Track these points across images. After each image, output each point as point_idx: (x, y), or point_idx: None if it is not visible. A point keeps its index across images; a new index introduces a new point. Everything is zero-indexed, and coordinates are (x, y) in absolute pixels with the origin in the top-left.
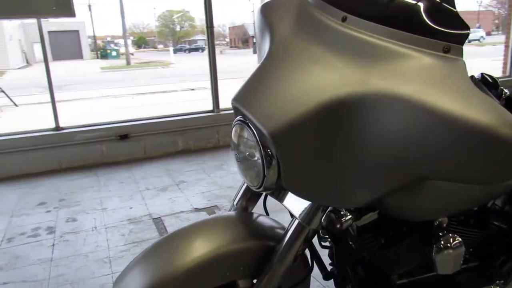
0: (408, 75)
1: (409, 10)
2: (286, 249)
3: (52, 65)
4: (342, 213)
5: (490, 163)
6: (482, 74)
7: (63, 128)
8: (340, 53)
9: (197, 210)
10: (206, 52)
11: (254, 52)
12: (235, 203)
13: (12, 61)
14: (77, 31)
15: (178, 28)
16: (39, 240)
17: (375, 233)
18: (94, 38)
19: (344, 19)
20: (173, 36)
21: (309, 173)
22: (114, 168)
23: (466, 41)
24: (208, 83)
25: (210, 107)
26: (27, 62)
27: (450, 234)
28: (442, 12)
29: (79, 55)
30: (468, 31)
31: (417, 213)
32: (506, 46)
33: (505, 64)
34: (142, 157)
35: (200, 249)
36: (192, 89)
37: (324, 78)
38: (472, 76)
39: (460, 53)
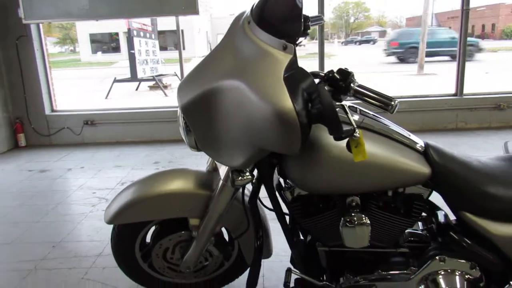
0: (257, 69)
1: (270, 16)
2: (215, 200)
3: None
4: (241, 173)
5: (283, 137)
6: (339, 68)
7: None
8: (239, 50)
9: None
10: (377, 44)
11: None
12: (207, 163)
13: (198, 50)
14: None
15: (352, 19)
16: None
17: (305, 203)
18: None
19: (248, 22)
20: (345, 27)
21: (210, 139)
22: None
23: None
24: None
25: None
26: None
27: (359, 213)
28: (287, 15)
29: None
30: (299, 35)
31: (314, 186)
32: None
33: None
34: None
35: (162, 186)
36: None
37: (218, 69)
38: (316, 72)
39: (291, 51)
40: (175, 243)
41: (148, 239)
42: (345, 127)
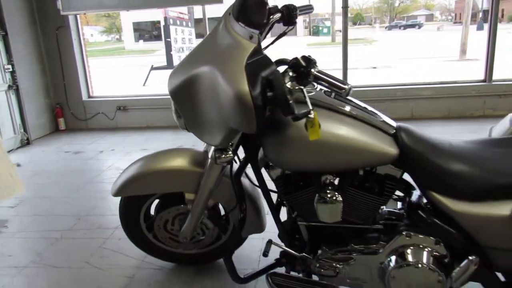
0: (226, 56)
1: (241, 6)
2: (206, 176)
3: (270, 40)
4: (224, 152)
5: (241, 117)
6: (302, 56)
7: None
8: (218, 40)
9: None
10: (423, 28)
11: (478, 28)
12: (204, 144)
13: None
14: None
15: (396, 3)
16: None
17: (287, 181)
18: (309, 15)
19: (229, 14)
20: (390, 11)
21: (195, 121)
22: None
23: None
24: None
25: None
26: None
27: (332, 191)
28: (251, 5)
29: (294, 32)
30: (261, 26)
31: (288, 164)
32: None
33: None
34: None
35: (162, 163)
36: (374, 67)
37: (201, 58)
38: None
39: (255, 41)
40: (174, 216)
41: (152, 212)
42: (305, 109)
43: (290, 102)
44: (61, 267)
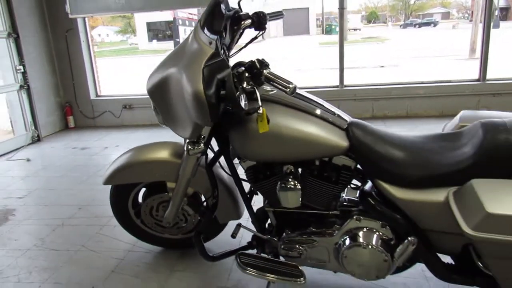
0: (189, 59)
1: (205, 15)
2: (183, 166)
3: (282, 39)
4: (196, 144)
5: (198, 112)
6: (257, 59)
7: None
8: (187, 46)
9: None
10: (438, 26)
11: (495, 26)
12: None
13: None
14: (307, 8)
15: (412, 1)
16: None
17: (255, 170)
18: (322, 14)
19: (199, 22)
20: (405, 9)
21: (169, 116)
22: None
23: None
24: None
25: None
26: (262, 37)
27: (292, 179)
28: (210, 13)
29: (306, 31)
30: (219, 33)
31: (251, 154)
32: None
33: None
34: None
35: (146, 155)
36: (382, 66)
37: (173, 61)
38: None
39: (213, 46)
40: (158, 203)
41: (140, 199)
42: (255, 105)
43: (241, 99)
44: (60, 250)
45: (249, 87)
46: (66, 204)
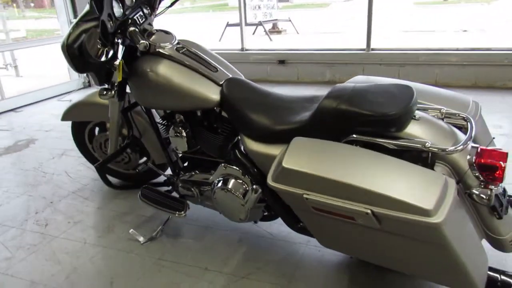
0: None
1: None
2: (110, 109)
3: None
4: (106, 90)
5: (67, 62)
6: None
7: (247, 50)
8: None
9: None
10: None
11: None
12: None
13: None
14: None
15: None
16: None
17: (164, 118)
18: None
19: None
20: None
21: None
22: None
23: None
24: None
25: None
26: None
27: (180, 127)
28: None
29: None
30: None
31: (143, 102)
32: None
33: None
34: (295, 81)
35: (89, 98)
36: (465, 31)
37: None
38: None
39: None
40: (104, 140)
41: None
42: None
43: (99, 52)
44: (48, 173)
45: (119, 40)
46: None
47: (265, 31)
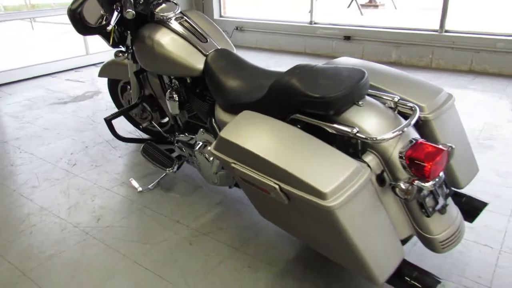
0: None
1: None
2: (129, 69)
3: None
4: (121, 52)
5: (71, 23)
6: None
7: (315, 23)
8: None
9: None
10: None
11: None
12: None
13: None
14: None
15: None
16: None
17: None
18: None
19: None
20: None
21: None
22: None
23: None
24: None
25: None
26: None
27: (173, 91)
28: None
29: None
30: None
31: (144, 65)
32: None
33: None
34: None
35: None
36: None
37: None
38: None
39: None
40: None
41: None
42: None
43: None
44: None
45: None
46: None
47: (357, 3)
